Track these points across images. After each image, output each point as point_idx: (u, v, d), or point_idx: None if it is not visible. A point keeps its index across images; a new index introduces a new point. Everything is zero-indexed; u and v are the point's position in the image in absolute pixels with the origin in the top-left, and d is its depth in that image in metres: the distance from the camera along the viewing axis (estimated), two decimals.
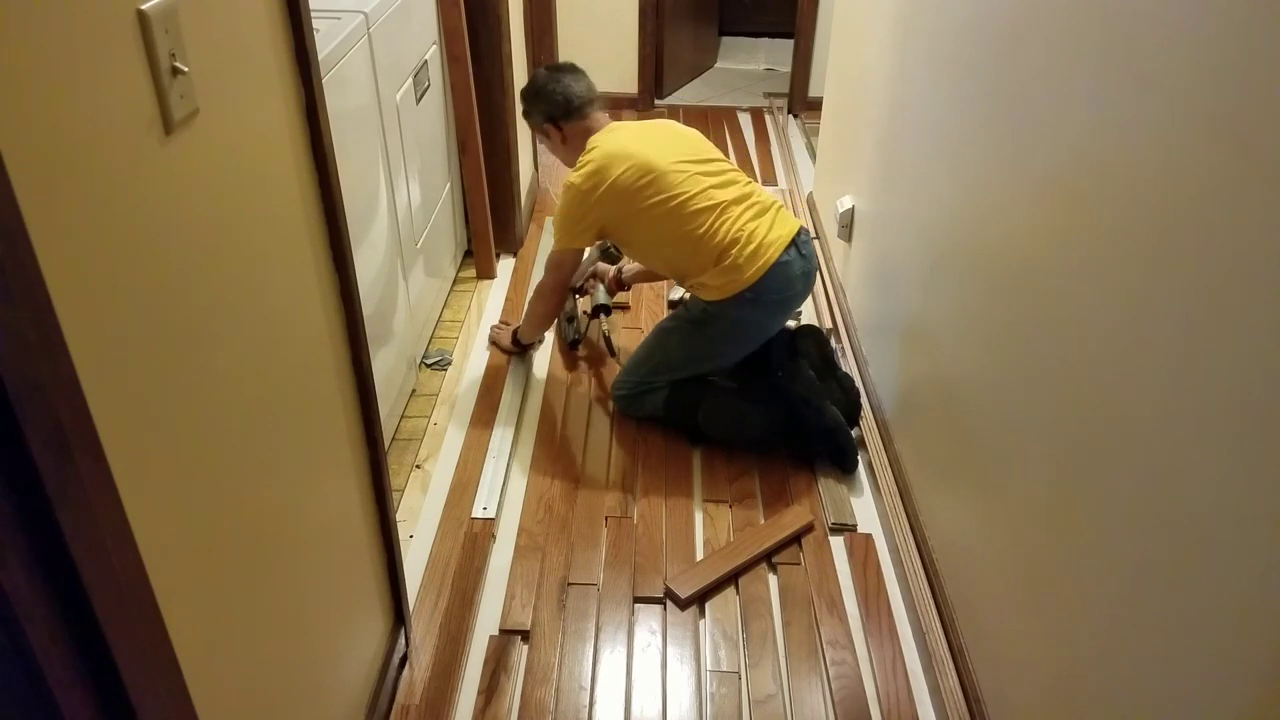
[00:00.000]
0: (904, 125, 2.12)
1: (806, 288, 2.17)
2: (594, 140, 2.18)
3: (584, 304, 2.67)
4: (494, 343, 2.61)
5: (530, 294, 2.56)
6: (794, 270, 2.10)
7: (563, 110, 2.25)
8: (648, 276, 2.60)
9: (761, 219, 2.10)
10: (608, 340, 2.60)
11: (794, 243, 2.11)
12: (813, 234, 2.20)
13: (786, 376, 2.13)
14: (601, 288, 2.61)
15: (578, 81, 2.26)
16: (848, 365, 2.46)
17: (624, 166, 2.07)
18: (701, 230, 2.05)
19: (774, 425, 2.14)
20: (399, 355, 2.27)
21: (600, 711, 1.61)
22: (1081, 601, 1.18)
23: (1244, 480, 0.88)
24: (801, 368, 2.14)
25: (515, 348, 2.54)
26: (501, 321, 2.69)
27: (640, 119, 4.40)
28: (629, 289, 2.68)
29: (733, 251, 2.04)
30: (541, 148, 3.69)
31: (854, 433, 2.22)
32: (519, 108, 2.52)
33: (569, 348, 2.59)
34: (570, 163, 2.26)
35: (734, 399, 2.18)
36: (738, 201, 2.09)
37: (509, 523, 2.02)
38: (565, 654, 1.71)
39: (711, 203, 2.06)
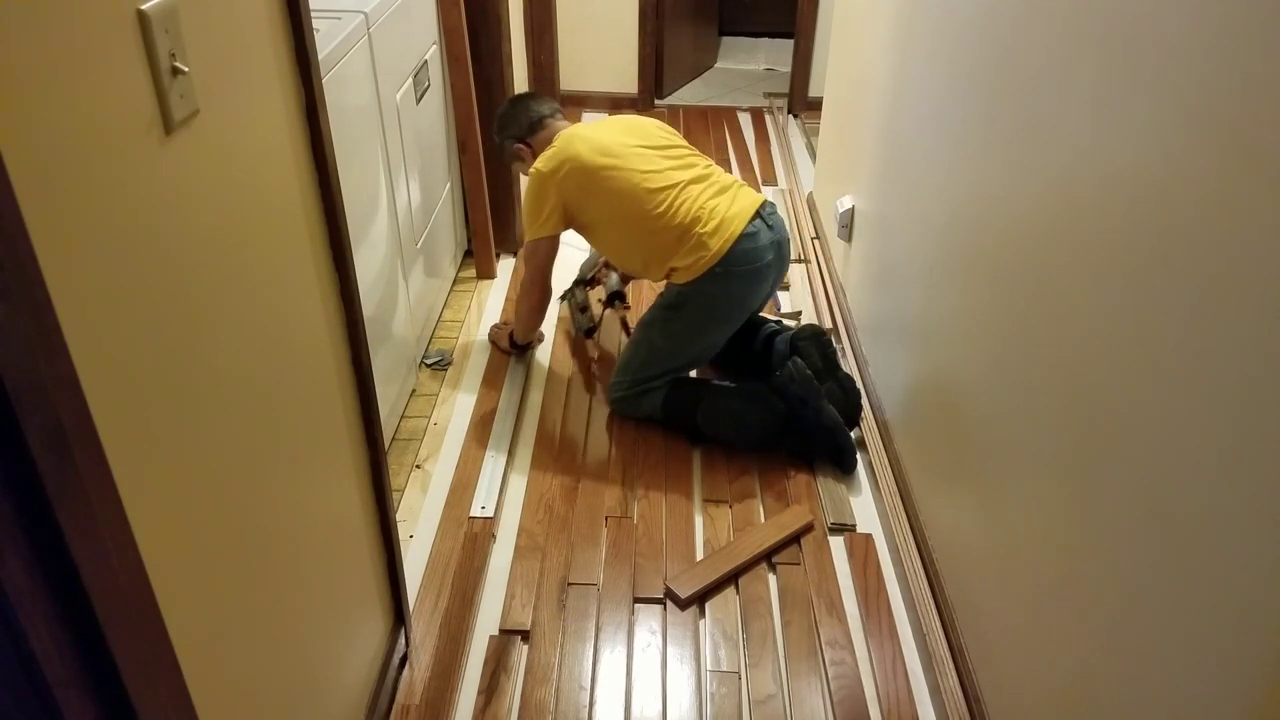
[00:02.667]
0: (904, 125, 2.12)
1: (780, 258, 2.19)
2: (557, 137, 2.24)
3: (597, 294, 2.70)
4: (493, 342, 2.61)
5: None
6: (761, 240, 2.13)
7: (527, 128, 2.35)
8: None
9: (722, 196, 2.14)
10: (625, 325, 2.62)
11: (759, 215, 2.14)
12: (776, 207, 2.24)
13: (785, 376, 2.13)
14: (614, 275, 2.63)
15: (540, 103, 2.37)
16: (848, 365, 2.46)
17: (581, 150, 2.14)
18: (661, 209, 2.09)
19: (773, 425, 2.14)
20: (399, 355, 2.27)
21: (600, 711, 1.61)
22: (1082, 601, 1.18)
23: (1246, 480, 0.88)
24: (800, 368, 2.14)
25: (513, 349, 2.54)
26: (502, 321, 2.69)
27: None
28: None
29: (695, 230, 2.08)
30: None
31: (854, 433, 2.22)
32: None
33: (585, 337, 2.60)
34: None
35: (732, 399, 2.18)
36: (696, 181, 2.14)
37: (509, 523, 2.02)
38: (565, 654, 1.71)
39: (670, 182, 2.11)
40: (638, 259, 2.22)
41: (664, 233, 2.10)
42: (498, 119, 2.43)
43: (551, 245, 2.27)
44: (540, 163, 2.18)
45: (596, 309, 2.65)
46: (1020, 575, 1.38)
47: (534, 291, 2.36)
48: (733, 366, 2.38)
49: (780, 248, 2.18)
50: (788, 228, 2.27)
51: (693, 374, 2.36)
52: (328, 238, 1.24)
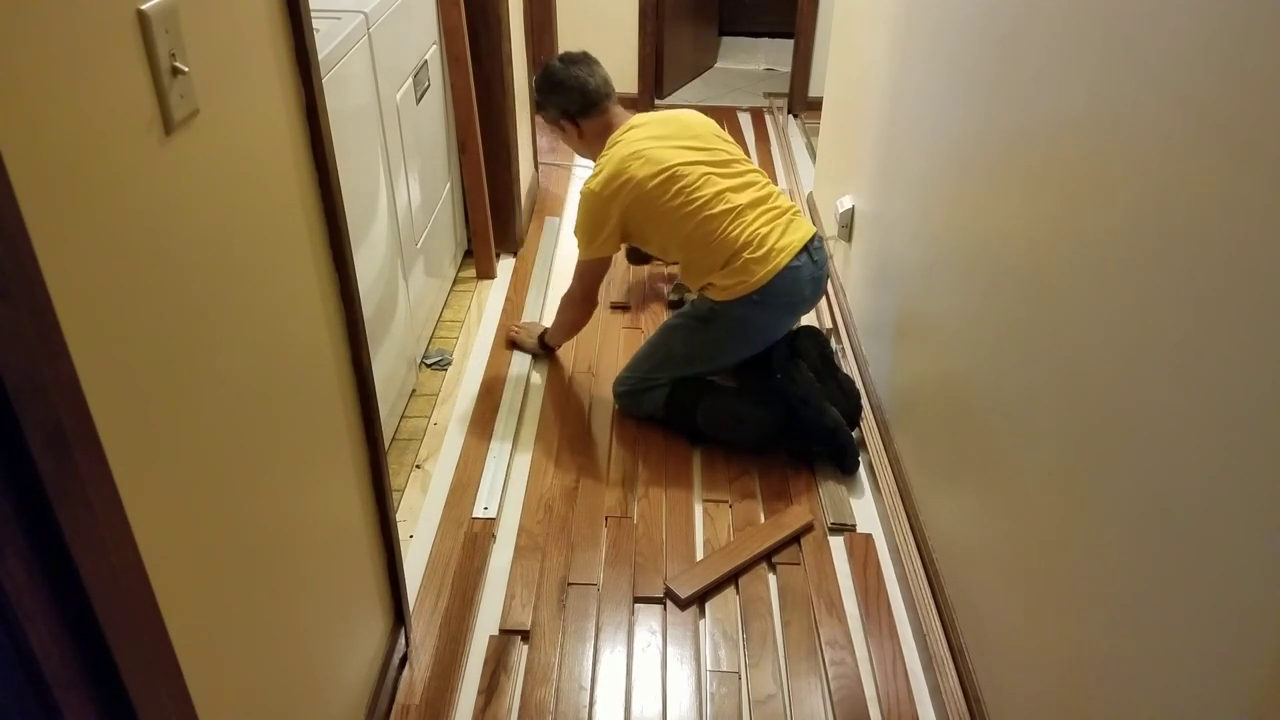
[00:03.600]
0: (904, 125, 2.12)
1: (816, 293, 2.18)
2: (612, 140, 2.17)
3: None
4: (515, 344, 2.59)
5: (534, 296, 2.54)
6: (803, 275, 2.10)
7: (578, 106, 2.23)
8: None
9: (776, 223, 2.10)
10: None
11: (806, 248, 2.11)
12: (824, 241, 2.24)
13: (786, 377, 2.13)
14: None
15: (593, 75, 2.22)
16: (848, 365, 2.46)
17: (640, 173, 2.06)
18: (716, 235, 2.06)
19: (774, 426, 2.14)
20: (399, 355, 2.27)
21: (600, 711, 1.61)
22: (1082, 601, 1.18)
23: (1247, 478, 0.88)
24: (801, 369, 2.14)
25: (541, 349, 2.53)
26: (517, 324, 2.67)
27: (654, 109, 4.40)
28: None
29: (744, 255, 2.05)
30: (547, 140, 3.70)
31: (854, 433, 2.22)
32: (519, 105, 2.53)
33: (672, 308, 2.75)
34: (587, 155, 2.28)
35: (733, 399, 2.18)
36: (753, 205, 2.09)
37: (509, 523, 2.02)
38: (565, 654, 1.71)
39: (727, 207, 2.06)
40: (685, 269, 2.20)
41: (712, 254, 2.07)
42: (543, 79, 2.27)
43: (605, 265, 2.25)
44: (595, 184, 2.11)
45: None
46: (1021, 575, 1.38)
47: (584, 307, 2.34)
48: (734, 368, 2.38)
49: (819, 283, 2.16)
50: (829, 262, 2.23)
51: None
52: (328, 238, 1.24)
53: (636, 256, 2.79)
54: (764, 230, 2.07)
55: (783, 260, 2.06)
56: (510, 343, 2.60)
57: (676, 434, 2.26)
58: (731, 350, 2.23)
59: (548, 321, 2.73)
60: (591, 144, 2.26)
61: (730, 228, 2.05)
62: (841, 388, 2.22)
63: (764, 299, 2.07)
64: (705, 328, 2.19)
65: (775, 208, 2.13)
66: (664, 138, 2.12)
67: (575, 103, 2.22)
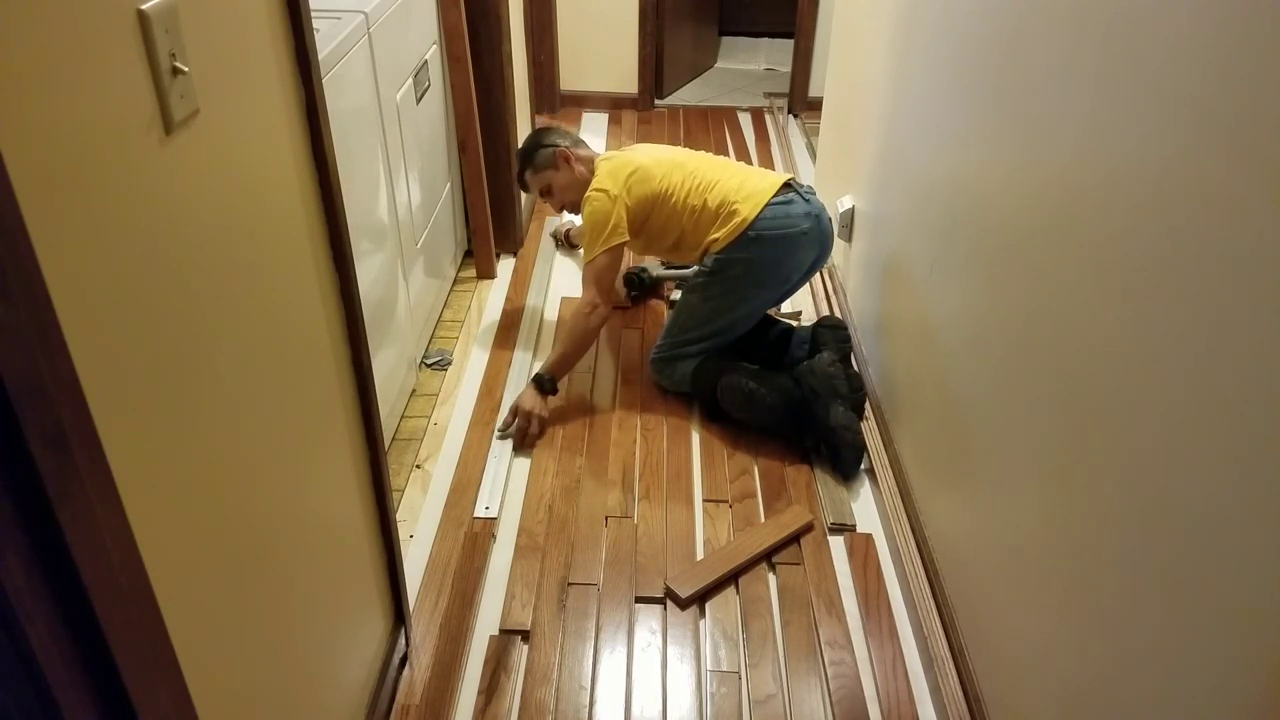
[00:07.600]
0: (904, 125, 2.12)
1: (819, 231, 2.27)
2: (597, 161, 2.39)
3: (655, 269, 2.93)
4: (526, 435, 2.25)
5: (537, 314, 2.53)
6: (795, 209, 2.24)
7: (570, 141, 2.47)
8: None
9: (750, 175, 2.33)
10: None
11: (792, 188, 2.27)
12: (814, 191, 2.36)
13: (807, 368, 2.18)
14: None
15: (563, 136, 2.52)
16: None
17: (637, 161, 2.33)
18: (703, 200, 2.27)
19: (783, 411, 2.18)
20: (399, 355, 2.27)
21: (600, 711, 1.61)
22: (1082, 601, 1.18)
23: (1249, 480, 0.88)
24: (824, 362, 2.18)
25: (542, 393, 2.28)
26: (507, 419, 2.29)
27: (640, 120, 4.41)
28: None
29: (732, 202, 2.25)
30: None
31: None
32: (519, 105, 2.63)
33: (633, 285, 2.84)
34: (574, 198, 2.43)
35: (749, 379, 2.21)
36: (723, 169, 2.33)
37: (509, 523, 2.02)
38: (565, 654, 1.71)
39: (708, 179, 2.30)
40: (686, 248, 2.35)
41: (705, 215, 2.27)
42: (525, 148, 2.50)
43: (620, 256, 2.33)
44: (598, 182, 2.30)
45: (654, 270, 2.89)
46: (1021, 575, 1.38)
47: (602, 310, 2.27)
48: (750, 360, 2.40)
49: (818, 220, 2.27)
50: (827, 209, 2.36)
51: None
52: (328, 238, 1.24)
53: (632, 284, 2.84)
54: (740, 180, 2.29)
55: (764, 198, 2.23)
56: (522, 436, 2.25)
57: (677, 433, 2.26)
58: (746, 297, 2.31)
59: (546, 333, 2.74)
60: (580, 177, 2.41)
61: (712, 188, 2.28)
62: (851, 385, 2.23)
63: (759, 232, 2.22)
64: (716, 279, 2.29)
65: (754, 171, 2.34)
66: (641, 146, 2.44)
67: (566, 140, 2.47)
